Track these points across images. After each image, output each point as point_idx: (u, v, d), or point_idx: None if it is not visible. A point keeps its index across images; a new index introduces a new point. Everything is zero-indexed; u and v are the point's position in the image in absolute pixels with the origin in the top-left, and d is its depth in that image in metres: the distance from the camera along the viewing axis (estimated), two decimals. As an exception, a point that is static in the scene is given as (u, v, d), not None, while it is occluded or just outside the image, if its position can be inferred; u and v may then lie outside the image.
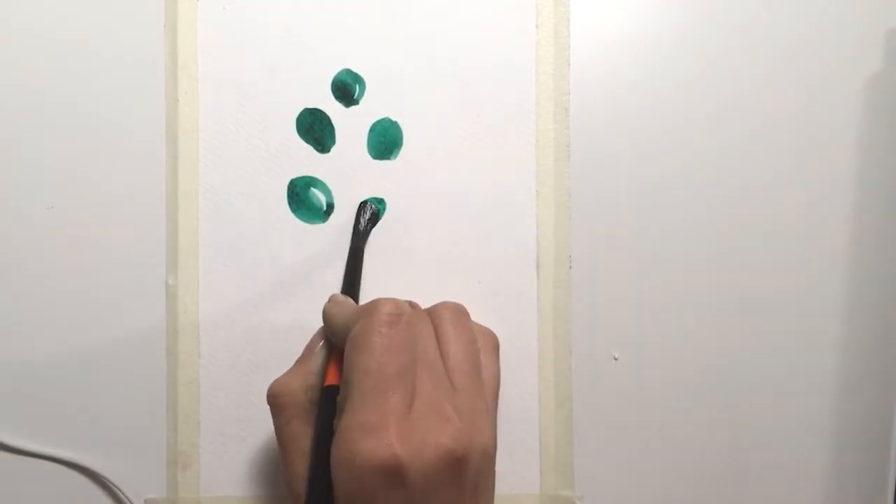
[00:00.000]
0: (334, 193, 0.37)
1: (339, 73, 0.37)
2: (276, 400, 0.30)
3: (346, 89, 0.37)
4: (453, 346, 0.30)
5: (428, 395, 0.28)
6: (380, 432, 0.26)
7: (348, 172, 0.37)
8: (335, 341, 0.31)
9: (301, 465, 0.29)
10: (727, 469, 0.37)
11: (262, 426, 0.36)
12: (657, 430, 0.37)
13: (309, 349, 0.32)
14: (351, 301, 0.33)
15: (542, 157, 0.37)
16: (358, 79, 0.37)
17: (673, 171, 0.37)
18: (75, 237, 0.37)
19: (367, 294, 0.36)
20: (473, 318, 0.33)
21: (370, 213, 0.36)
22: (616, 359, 0.37)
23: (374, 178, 0.37)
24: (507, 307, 0.37)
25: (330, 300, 0.32)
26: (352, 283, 0.35)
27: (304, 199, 0.37)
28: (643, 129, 0.37)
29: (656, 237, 0.37)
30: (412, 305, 0.31)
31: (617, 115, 0.37)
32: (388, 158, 0.37)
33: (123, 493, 0.36)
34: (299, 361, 0.32)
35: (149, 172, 0.37)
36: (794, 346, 0.37)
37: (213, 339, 0.36)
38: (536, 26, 0.37)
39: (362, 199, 0.36)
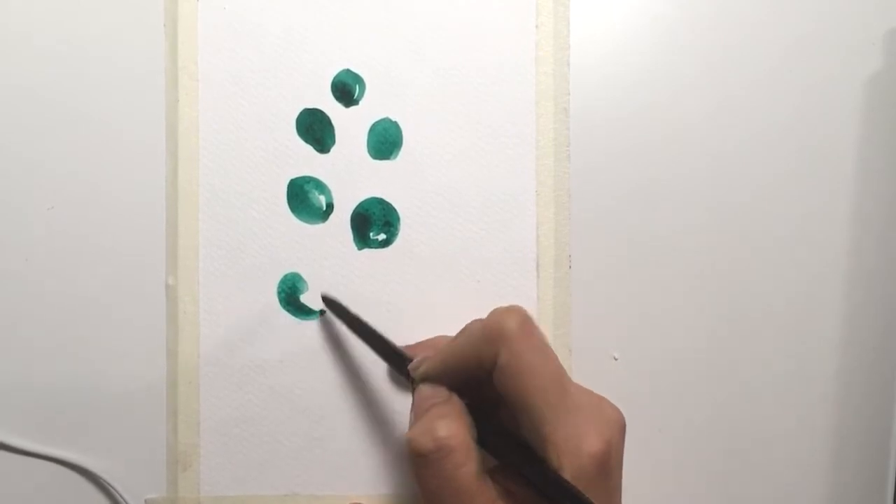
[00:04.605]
0: (334, 193, 0.37)
1: (339, 74, 0.37)
2: (447, 442, 0.27)
3: (346, 89, 0.37)
4: None
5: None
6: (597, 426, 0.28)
7: (348, 172, 0.37)
8: (454, 378, 0.30)
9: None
10: (727, 469, 0.37)
11: (262, 426, 0.36)
12: (657, 430, 0.37)
13: (434, 398, 0.30)
14: (430, 348, 0.32)
15: (542, 157, 0.37)
16: (358, 79, 0.37)
17: (673, 171, 0.37)
18: (75, 237, 0.37)
19: (367, 293, 0.36)
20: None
21: (335, 303, 0.36)
22: (616, 359, 0.37)
23: (373, 178, 0.37)
24: (507, 307, 0.37)
25: (416, 367, 0.31)
26: (387, 347, 0.33)
27: (303, 199, 0.37)
28: (643, 129, 0.37)
29: (656, 237, 0.37)
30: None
31: (617, 115, 0.37)
32: (388, 158, 0.37)
33: (123, 494, 0.36)
34: (437, 409, 0.29)
35: (149, 172, 0.37)
36: (794, 346, 0.37)
37: (213, 339, 0.36)
38: (536, 26, 0.37)
39: (323, 294, 0.36)
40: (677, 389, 0.37)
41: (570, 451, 0.27)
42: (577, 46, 0.37)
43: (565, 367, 0.37)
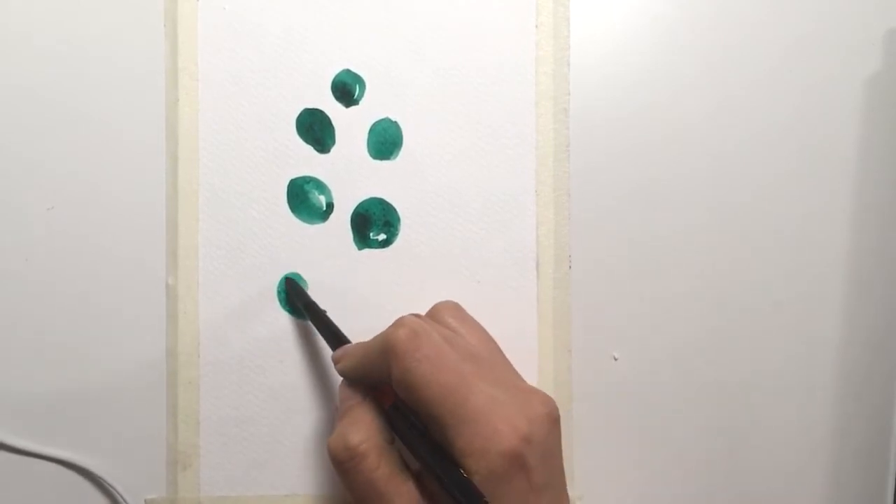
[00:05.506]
0: (334, 193, 0.37)
1: (340, 74, 0.37)
2: (358, 449, 0.28)
3: (347, 89, 0.37)
4: (468, 338, 0.32)
5: (496, 375, 0.29)
6: (505, 425, 0.27)
7: (348, 172, 0.37)
8: (366, 381, 0.31)
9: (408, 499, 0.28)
10: (727, 469, 0.37)
11: (262, 426, 0.36)
12: (657, 430, 0.37)
13: (350, 400, 0.31)
14: (350, 346, 0.32)
15: (542, 157, 0.37)
16: (358, 79, 0.37)
17: (673, 171, 0.37)
18: (75, 237, 0.37)
19: (367, 293, 0.36)
20: (474, 318, 0.34)
21: (297, 290, 0.36)
22: (616, 359, 0.37)
23: (373, 178, 0.37)
24: (507, 307, 0.37)
25: (335, 361, 0.32)
26: (332, 333, 0.34)
27: (304, 199, 0.37)
28: (643, 129, 0.37)
29: (656, 237, 0.37)
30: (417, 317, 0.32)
31: (617, 115, 0.37)
32: (388, 158, 0.37)
33: (123, 494, 0.36)
34: (351, 413, 0.30)
35: (149, 172, 0.37)
36: (795, 347, 0.37)
37: (213, 339, 0.36)
38: (536, 26, 0.37)
39: (286, 275, 0.36)
40: (677, 389, 0.37)
41: (477, 453, 0.27)
42: (577, 46, 0.37)
43: (565, 366, 0.37)
